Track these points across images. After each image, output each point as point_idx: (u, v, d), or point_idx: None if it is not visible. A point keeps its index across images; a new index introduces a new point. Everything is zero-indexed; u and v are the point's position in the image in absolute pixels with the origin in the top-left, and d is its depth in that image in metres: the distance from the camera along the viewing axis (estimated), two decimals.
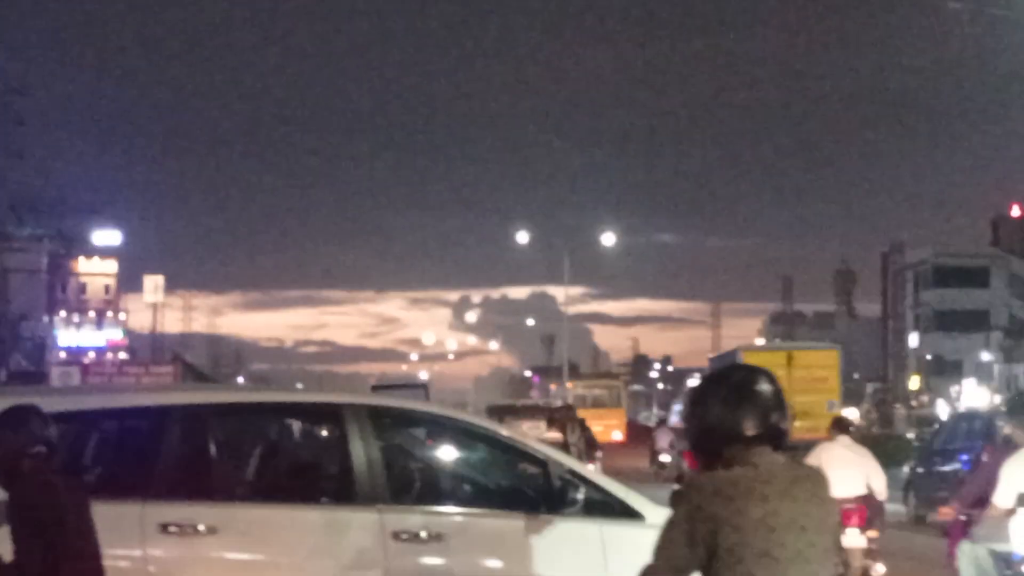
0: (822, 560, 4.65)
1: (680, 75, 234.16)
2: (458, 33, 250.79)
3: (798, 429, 38.18)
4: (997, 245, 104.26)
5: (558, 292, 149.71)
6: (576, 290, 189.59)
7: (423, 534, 7.94)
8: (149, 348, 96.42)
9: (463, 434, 8.86)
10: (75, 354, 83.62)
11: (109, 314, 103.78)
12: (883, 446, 41.21)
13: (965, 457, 25.96)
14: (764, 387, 4.79)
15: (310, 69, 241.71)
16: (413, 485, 8.59)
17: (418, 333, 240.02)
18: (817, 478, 4.82)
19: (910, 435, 56.08)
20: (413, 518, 8.01)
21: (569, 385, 63.24)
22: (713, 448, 4.75)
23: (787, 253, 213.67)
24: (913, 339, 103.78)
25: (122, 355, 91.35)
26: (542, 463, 8.45)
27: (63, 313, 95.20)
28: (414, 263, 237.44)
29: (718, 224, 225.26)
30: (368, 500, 7.95)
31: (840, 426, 15.04)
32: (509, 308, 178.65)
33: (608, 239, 67.55)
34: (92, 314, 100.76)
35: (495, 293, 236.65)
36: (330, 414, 8.41)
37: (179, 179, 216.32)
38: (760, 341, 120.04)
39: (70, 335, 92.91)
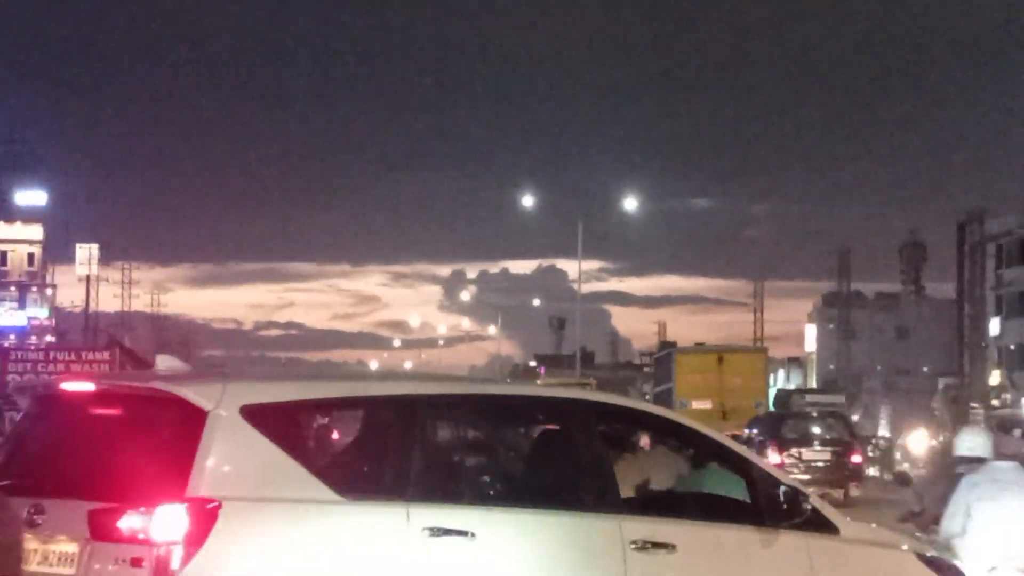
0: None
1: (718, 11, 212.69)
2: None
3: (728, 425, 39.09)
4: None
5: (570, 267, 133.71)
6: (592, 264, 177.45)
7: (659, 544, 8.32)
8: (80, 330, 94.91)
9: (682, 438, 9.59)
10: None
11: (33, 289, 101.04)
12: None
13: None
14: None
15: (270, 3, 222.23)
16: (643, 492, 9.60)
17: (402, 314, 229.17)
18: None
19: None
20: (649, 527, 8.37)
21: (539, 383, 58.96)
22: None
23: (845, 222, 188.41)
24: (994, 326, 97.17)
25: (48, 338, 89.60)
26: (752, 472, 8.90)
27: None
28: (398, 232, 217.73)
29: (763, 187, 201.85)
30: (605, 507, 8.29)
31: None
32: (511, 285, 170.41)
33: (630, 204, 64.54)
34: (13, 289, 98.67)
35: (494, 267, 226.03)
36: (559, 411, 8.73)
37: (119, 132, 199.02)
38: (811, 328, 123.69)
39: None
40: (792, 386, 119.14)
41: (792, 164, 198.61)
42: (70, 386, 7.93)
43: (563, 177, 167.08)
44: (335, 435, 9.29)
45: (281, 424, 7.35)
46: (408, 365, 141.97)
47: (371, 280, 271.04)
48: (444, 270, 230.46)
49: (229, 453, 7.14)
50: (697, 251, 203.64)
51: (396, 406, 7.92)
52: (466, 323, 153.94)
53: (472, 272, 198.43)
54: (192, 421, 7.12)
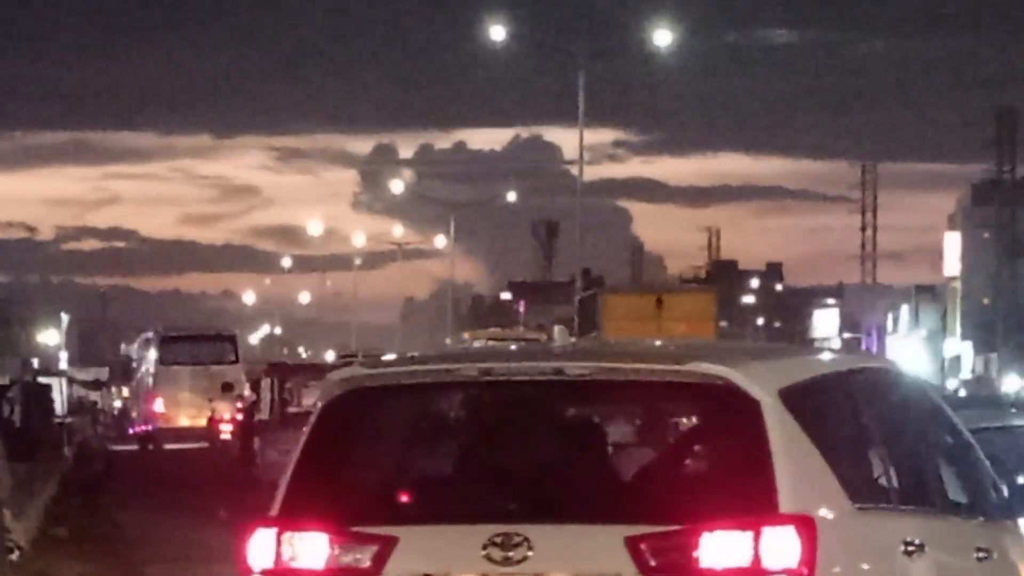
0: None
1: None
2: None
3: None
4: None
5: (566, 139, 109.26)
6: (602, 135, 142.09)
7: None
8: None
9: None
10: None
11: None
12: None
13: None
14: None
15: None
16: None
17: (294, 216, 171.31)
18: None
19: None
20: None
21: (467, 335, 63.15)
22: None
23: (1004, 68, 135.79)
24: None
25: None
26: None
27: None
28: (288, 81, 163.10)
29: (874, 13, 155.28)
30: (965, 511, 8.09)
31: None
32: (472, 170, 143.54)
33: (663, 38, 53.34)
34: None
35: (444, 140, 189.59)
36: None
37: None
38: (953, 237, 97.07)
39: None
40: (924, 331, 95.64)
41: None
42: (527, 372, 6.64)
43: None
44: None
45: (813, 413, 6.72)
46: (304, 297, 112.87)
47: (245, 160, 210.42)
48: (362, 144, 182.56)
49: (788, 454, 6.58)
50: (771, 114, 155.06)
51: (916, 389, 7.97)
52: (398, 230, 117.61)
53: (407, 148, 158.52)
54: (731, 411, 6.50)
